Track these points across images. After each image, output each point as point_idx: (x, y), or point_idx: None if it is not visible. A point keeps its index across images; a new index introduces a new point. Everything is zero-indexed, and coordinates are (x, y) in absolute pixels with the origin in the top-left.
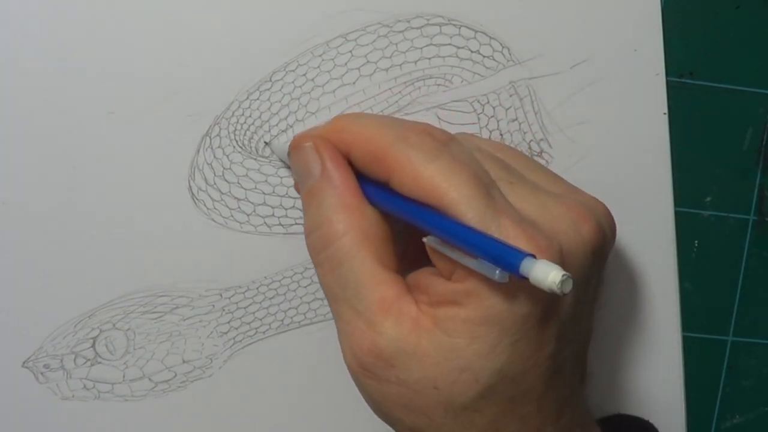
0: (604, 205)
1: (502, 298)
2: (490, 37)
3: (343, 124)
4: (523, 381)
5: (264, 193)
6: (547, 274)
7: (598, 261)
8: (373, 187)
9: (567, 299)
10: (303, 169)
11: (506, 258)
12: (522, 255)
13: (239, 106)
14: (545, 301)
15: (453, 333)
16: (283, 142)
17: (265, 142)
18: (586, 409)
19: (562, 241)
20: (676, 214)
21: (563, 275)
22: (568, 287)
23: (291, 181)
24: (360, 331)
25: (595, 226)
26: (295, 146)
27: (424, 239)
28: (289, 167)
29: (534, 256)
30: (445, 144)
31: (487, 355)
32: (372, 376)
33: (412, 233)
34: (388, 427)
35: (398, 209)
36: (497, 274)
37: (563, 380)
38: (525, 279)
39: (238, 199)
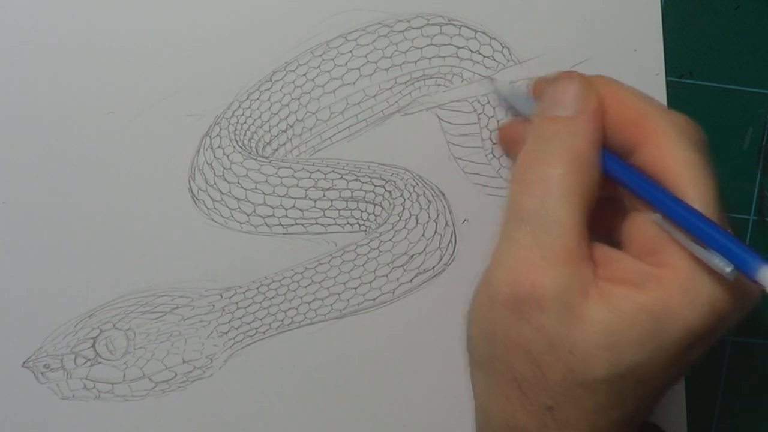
0: None
1: (685, 302)
2: (490, 37)
3: (608, 82)
4: (641, 387)
5: (264, 193)
6: None
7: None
8: (608, 151)
9: (716, 337)
10: (560, 97)
11: (745, 259)
12: (764, 261)
13: (239, 106)
14: (710, 327)
15: (618, 312)
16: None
17: (490, 77)
18: None
19: None
20: None
21: None
22: None
23: (291, 182)
24: (531, 262)
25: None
26: (568, 75)
27: (653, 215)
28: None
29: None
30: (702, 141)
31: (636, 346)
32: (514, 309)
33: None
34: (388, 426)
35: (633, 180)
36: (728, 270)
37: (651, 404)
38: (756, 283)
39: (238, 200)
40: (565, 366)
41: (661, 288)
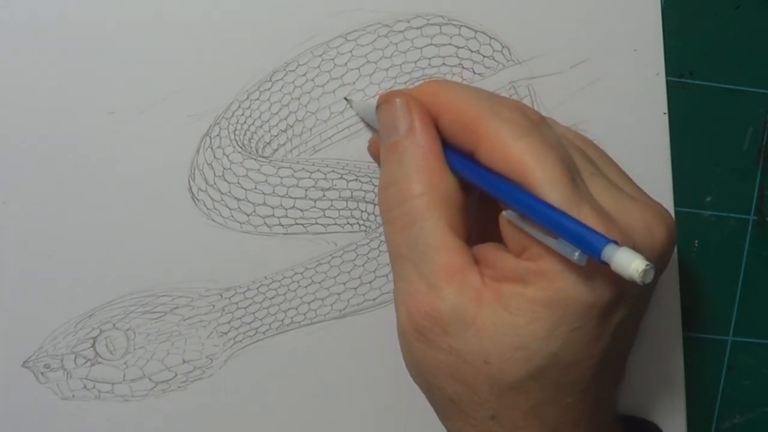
0: (670, 214)
1: (570, 283)
2: (490, 37)
3: (436, 89)
4: (573, 370)
5: (264, 193)
6: (631, 262)
7: (661, 267)
8: (456, 155)
9: (629, 298)
10: (389, 124)
11: (589, 241)
12: (606, 240)
13: (239, 106)
14: (610, 295)
15: (514, 310)
16: (362, 99)
17: (345, 98)
18: (615, 411)
19: (636, 240)
20: (676, 214)
21: (646, 265)
22: (649, 278)
23: (291, 182)
24: (420, 293)
25: (666, 232)
26: (387, 100)
27: (503, 213)
28: (365, 124)
29: (617, 243)
30: (536, 124)
31: (545, 338)
32: (424, 340)
33: (481, 207)
34: (388, 427)
35: (480, 180)
36: (576, 255)
37: (607, 378)
38: (605, 264)
39: (238, 200)
40: (487, 377)
41: (544, 279)
